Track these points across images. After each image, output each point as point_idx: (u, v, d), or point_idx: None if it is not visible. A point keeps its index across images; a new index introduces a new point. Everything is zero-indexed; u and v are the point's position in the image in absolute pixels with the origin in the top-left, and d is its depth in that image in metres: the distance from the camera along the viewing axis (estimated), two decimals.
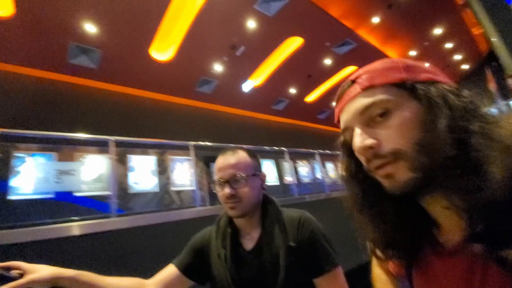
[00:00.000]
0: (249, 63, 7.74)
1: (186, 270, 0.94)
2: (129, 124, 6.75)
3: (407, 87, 0.43)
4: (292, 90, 9.63)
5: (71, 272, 0.77)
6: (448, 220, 0.43)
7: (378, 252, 0.52)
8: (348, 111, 0.47)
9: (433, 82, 0.44)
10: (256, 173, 0.92)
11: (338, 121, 0.51)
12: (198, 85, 7.70)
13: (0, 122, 5.12)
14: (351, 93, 0.47)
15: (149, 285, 0.92)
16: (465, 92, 0.43)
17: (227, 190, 0.87)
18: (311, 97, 10.48)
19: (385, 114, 0.43)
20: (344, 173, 0.54)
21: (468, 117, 0.39)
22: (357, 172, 0.51)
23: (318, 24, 7.05)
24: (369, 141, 0.43)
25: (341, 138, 0.53)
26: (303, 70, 8.80)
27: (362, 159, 0.46)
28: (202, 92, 7.91)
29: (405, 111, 0.42)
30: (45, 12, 4.77)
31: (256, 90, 8.63)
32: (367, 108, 0.44)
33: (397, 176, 0.42)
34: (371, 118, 0.44)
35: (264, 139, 9.04)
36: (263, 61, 7.87)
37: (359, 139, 0.44)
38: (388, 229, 0.48)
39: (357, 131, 0.45)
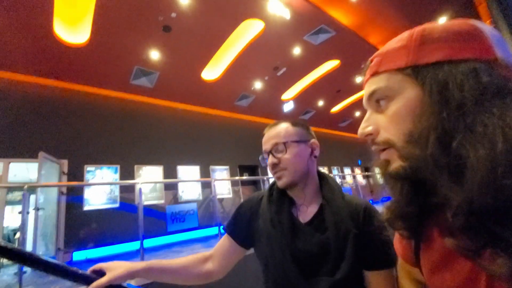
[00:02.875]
0: (286, 81, 8.19)
1: (238, 237, 0.92)
2: (179, 133, 7.39)
3: (409, 73, 0.40)
4: (320, 103, 10.08)
5: (143, 264, 0.80)
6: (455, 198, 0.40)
7: (390, 221, 0.51)
8: (364, 94, 0.47)
9: (448, 62, 0.37)
10: (301, 140, 0.85)
11: None
12: (237, 100, 8.21)
13: (74, 134, 5.77)
14: (365, 77, 0.47)
15: (210, 257, 0.93)
16: (484, 79, 0.35)
17: (270, 160, 0.83)
18: (336, 108, 10.94)
19: (385, 102, 0.43)
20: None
21: (461, 112, 0.34)
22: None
23: (356, 49, 7.41)
24: (368, 129, 0.44)
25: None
26: (334, 86, 9.21)
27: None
28: (240, 106, 8.42)
29: (402, 100, 0.41)
30: (116, 40, 5.23)
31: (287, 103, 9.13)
32: (371, 94, 0.44)
33: (392, 162, 0.42)
34: (377, 104, 0.44)
35: None
36: (299, 79, 8.30)
37: (362, 125, 0.45)
38: (400, 201, 0.47)
39: (366, 117, 0.46)
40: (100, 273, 0.74)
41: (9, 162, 5.09)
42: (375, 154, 0.46)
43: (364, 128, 0.45)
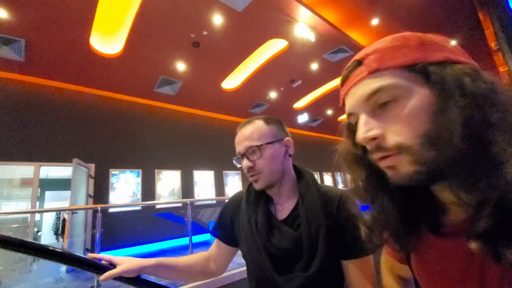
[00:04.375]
0: (300, 92, 8.48)
1: (226, 239, 0.94)
2: (195, 139, 7.68)
3: (419, 70, 0.38)
4: (329, 111, 10.41)
5: (153, 260, 0.82)
6: (456, 206, 0.40)
7: (374, 237, 0.49)
8: (353, 95, 0.42)
9: (451, 63, 0.38)
10: (275, 140, 0.83)
11: (343, 104, 0.46)
12: (252, 107, 8.51)
13: (101, 138, 6.03)
14: (357, 76, 0.41)
15: (209, 257, 0.96)
16: (486, 76, 0.36)
17: (244, 163, 0.81)
18: (343, 116, 11.28)
19: (392, 101, 0.38)
20: (346, 156, 0.49)
21: (486, 106, 0.33)
22: (361, 157, 0.46)
23: None
24: (373, 133, 0.39)
25: (346, 121, 0.49)
26: None
27: (366, 146, 0.42)
28: (253, 113, 8.72)
29: (414, 99, 0.37)
30: (147, 52, 5.46)
31: (298, 112, 9.45)
32: (373, 94, 0.39)
33: (399, 169, 0.39)
34: (377, 105, 0.40)
35: (302, 152, 10.13)
36: (312, 91, 8.60)
37: (363, 129, 0.40)
38: (386, 214, 0.45)
39: (362, 120, 0.41)
40: (111, 265, 0.77)
41: (40, 166, 5.35)
42: (376, 161, 0.41)
43: (367, 132, 0.40)
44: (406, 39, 0.40)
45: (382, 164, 0.41)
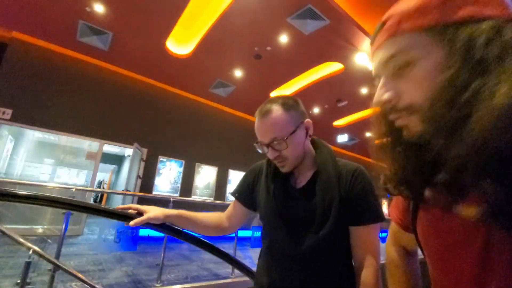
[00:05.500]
0: (343, 112, 8.59)
1: (244, 201, 1.01)
2: (239, 140, 8.11)
3: (437, 32, 0.37)
4: (367, 134, 10.36)
5: (175, 211, 0.91)
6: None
7: (389, 187, 0.52)
8: (376, 59, 0.44)
9: (473, 21, 0.36)
10: (296, 127, 0.85)
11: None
12: None
13: (156, 127, 6.63)
14: (379, 40, 0.43)
15: (224, 217, 1.04)
16: (506, 36, 0.34)
17: (271, 153, 0.85)
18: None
19: (408, 65, 0.40)
20: (373, 115, 0.52)
21: (488, 71, 0.33)
22: (385, 115, 0.48)
23: None
24: (386, 96, 0.42)
25: (375, 82, 0.50)
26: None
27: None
28: None
29: (428, 61, 0.38)
30: (212, 57, 5.92)
31: (338, 130, 9.57)
32: (390, 58, 0.41)
33: (411, 128, 0.42)
34: (396, 69, 0.41)
35: None
36: (355, 112, 8.66)
37: (378, 93, 0.43)
38: (404, 166, 0.47)
39: (380, 84, 0.43)
40: (138, 213, 0.85)
41: (104, 144, 6.05)
42: (392, 120, 0.44)
43: (382, 95, 0.42)
44: None
45: (397, 123, 0.44)
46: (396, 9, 0.42)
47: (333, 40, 5.28)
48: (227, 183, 7.80)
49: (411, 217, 0.54)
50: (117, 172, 11.37)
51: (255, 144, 0.89)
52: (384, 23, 0.43)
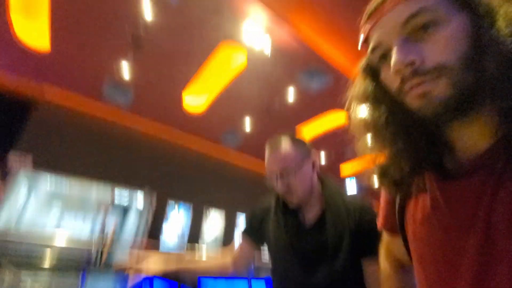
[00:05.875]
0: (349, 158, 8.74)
1: (254, 236, 1.03)
2: (246, 185, 8.19)
3: None
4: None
5: (174, 266, 0.89)
6: (469, 141, 0.40)
7: (378, 177, 0.51)
8: (385, 23, 0.41)
9: None
10: (304, 159, 0.91)
11: (365, 41, 0.45)
12: None
13: (168, 170, 6.78)
14: (390, 3, 0.40)
15: (230, 264, 1.03)
16: None
17: (279, 184, 0.89)
18: None
19: (432, 24, 0.37)
20: (362, 97, 0.50)
21: None
22: (379, 96, 0.47)
23: None
24: (412, 56, 0.38)
25: (364, 62, 0.49)
26: None
27: (395, 79, 0.41)
28: None
29: (453, 22, 0.37)
30: (222, 112, 6.29)
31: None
32: (412, 16, 0.38)
33: (435, 94, 0.38)
34: (414, 30, 0.39)
35: None
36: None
37: (400, 53, 0.38)
38: (396, 151, 0.46)
39: (398, 45, 0.39)
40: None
41: (115, 188, 6.21)
42: (405, 91, 0.40)
43: (406, 56, 0.38)
44: None
45: (414, 93, 0.39)
46: None
47: (337, 90, 5.61)
48: (235, 227, 7.73)
49: (398, 215, 0.53)
50: (122, 220, 11.32)
51: (266, 178, 0.95)
52: None
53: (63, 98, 5.93)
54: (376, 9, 0.42)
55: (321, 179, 1.00)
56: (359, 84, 0.52)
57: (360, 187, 10.30)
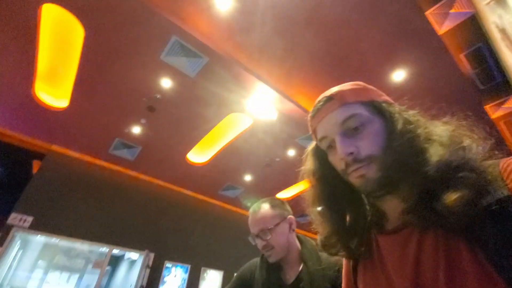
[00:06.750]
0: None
1: None
2: (244, 242, 7.99)
3: (374, 105, 0.53)
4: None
5: None
6: (395, 211, 0.51)
7: (329, 243, 0.60)
8: (328, 122, 0.54)
9: (389, 103, 0.55)
10: (281, 221, 1.03)
11: (314, 131, 0.58)
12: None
13: (165, 230, 6.59)
14: (330, 107, 0.54)
15: None
16: (410, 111, 0.55)
17: (259, 242, 1.02)
18: None
19: (360, 126, 0.51)
20: (312, 175, 0.62)
21: (415, 126, 0.50)
22: (328, 174, 0.59)
23: None
24: (352, 148, 0.50)
25: (313, 146, 0.63)
26: None
27: (341, 163, 0.53)
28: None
29: (375, 124, 0.52)
30: (224, 167, 6.54)
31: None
32: (347, 119, 0.52)
33: (369, 176, 0.49)
34: (349, 129, 0.52)
35: None
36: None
37: (343, 146, 0.51)
38: (345, 219, 0.57)
39: (339, 140, 0.52)
40: None
41: (113, 249, 5.97)
42: (348, 173, 0.52)
43: (347, 148, 0.50)
44: (361, 85, 0.57)
45: (354, 175, 0.51)
46: (339, 89, 0.56)
47: None
48: None
49: (352, 276, 0.61)
50: (111, 275, 10.49)
51: (249, 238, 1.08)
52: (331, 97, 0.55)
53: (68, 156, 6.07)
54: (319, 110, 0.56)
55: (299, 239, 1.11)
56: (309, 163, 0.64)
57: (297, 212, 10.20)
